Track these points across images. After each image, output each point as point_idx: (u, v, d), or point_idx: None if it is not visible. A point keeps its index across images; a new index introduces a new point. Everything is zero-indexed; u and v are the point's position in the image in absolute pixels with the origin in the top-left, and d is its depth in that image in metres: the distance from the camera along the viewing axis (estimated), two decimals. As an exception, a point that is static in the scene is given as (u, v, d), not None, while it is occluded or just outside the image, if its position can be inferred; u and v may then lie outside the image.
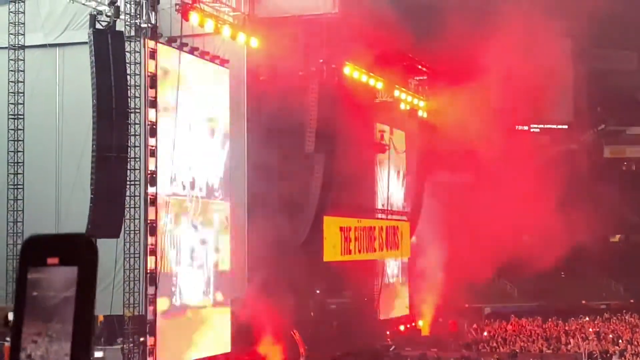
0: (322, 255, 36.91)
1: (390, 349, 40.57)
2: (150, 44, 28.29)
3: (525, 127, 65.93)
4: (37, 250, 2.47)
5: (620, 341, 38.74)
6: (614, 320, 47.53)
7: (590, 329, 43.38)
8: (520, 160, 56.41)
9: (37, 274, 2.43)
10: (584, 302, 55.44)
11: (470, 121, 44.88)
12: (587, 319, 48.04)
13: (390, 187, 47.81)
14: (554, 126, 67.38)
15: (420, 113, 47.07)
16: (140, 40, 28.10)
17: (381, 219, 46.11)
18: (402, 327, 46.57)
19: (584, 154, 67.82)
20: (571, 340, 39.52)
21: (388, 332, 44.73)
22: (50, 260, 2.42)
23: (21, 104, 28.90)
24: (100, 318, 31.55)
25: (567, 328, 44.19)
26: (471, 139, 48.29)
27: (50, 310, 2.39)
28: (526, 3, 49.44)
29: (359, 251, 42.33)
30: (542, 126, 67.05)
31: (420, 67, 45.49)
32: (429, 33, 44.47)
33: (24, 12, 28.80)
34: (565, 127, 67.78)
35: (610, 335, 40.95)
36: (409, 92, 46.41)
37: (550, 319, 47.11)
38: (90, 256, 2.43)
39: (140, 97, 27.82)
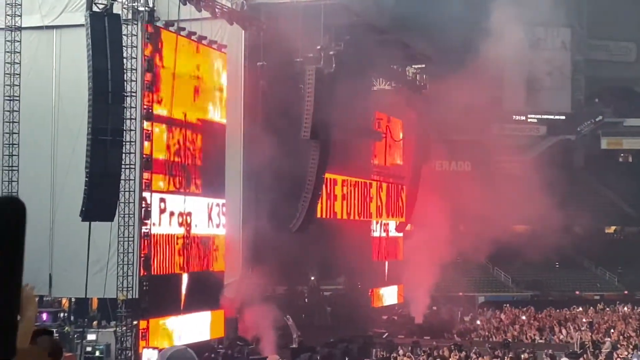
0: (317, 241, 36.95)
1: (383, 336, 40.61)
2: (148, 27, 28.21)
3: (523, 117, 65.94)
4: None
5: (612, 331, 38.80)
6: (608, 311, 47.61)
7: (584, 319, 43.44)
8: (517, 150, 56.50)
9: None
10: (578, 292, 55.56)
11: (468, 110, 44.88)
12: (581, 309, 48.10)
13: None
14: (552, 117, 67.34)
15: (417, 101, 47.03)
16: (137, 24, 28.03)
17: (377, 180, 46.51)
18: (395, 315, 46.67)
19: (581, 145, 67.87)
20: (564, 330, 39.59)
21: (384, 318, 44.83)
22: None
23: (17, 85, 28.84)
24: (94, 301, 31.65)
25: (560, 318, 44.25)
26: (469, 128, 48.35)
27: None
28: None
29: (354, 210, 42.93)
30: (539, 116, 67.01)
31: (419, 55, 45.38)
32: (429, 22, 44.43)
33: (21, -6, 28.74)
34: (563, 117, 67.75)
35: (604, 326, 41.02)
36: (406, 80, 46.37)
37: (544, 309, 47.18)
38: None
39: (136, 81, 27.76)
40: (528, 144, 62.50)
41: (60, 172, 29.81)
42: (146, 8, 28.25)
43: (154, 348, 26.99)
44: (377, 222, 47.16)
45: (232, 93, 32.85)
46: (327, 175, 38.67)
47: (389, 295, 48.02)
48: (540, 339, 38.43)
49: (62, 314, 31.69)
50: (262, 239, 30.96)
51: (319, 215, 37.38)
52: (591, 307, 48.56)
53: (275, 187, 31.70)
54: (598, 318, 44.21)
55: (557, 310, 46.86)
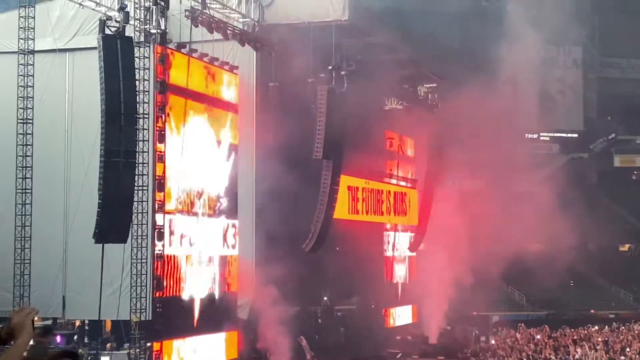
0: (329, 261, 36.88)
1: (397, 356, 40.48)
2: (160, 49, 28.34)
3: (535, 135, 65.82)
4: None
5: (627, 350, 38.54)
6: (623, 329, 47.29)
7: (599, 338, 43.16)
8: (529, 168, 56.34)
9: None
10: (592, 311, 55.22)
11: (481, 129, 44.79)
12: (596, 328, 47.79)
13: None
14: (564, 134, 67.19)
15: (429, 120, 46.97)
16: (149, 46, 28.17)
17: (389, 183, 46.45)
18: (409, 335, 46.45)
19: (593, 163, 67.68)
20: (579, 350, 39.33)
21: (397, 338, 44.62)
22: None
23: (30, 108, 28.97)
24: (108, 323, 31.65)
25: (575, 337, 43.97)
26: (482, 147, 48.20)
27: None
28: (536, 10, 49.34)
29: (367, 212, 42.70)
30: (552, 134, 66.88)
31: (430, 74, 45.39)
32: (439, 40, 44.46)
33: (34, 17, 28.90)
34: (575, 135, 67.60)
35: (619, 345, 40.76)
36: (418, 99, 46.37)
37: (559, 328, 46.89)
38: None
39: (149, 103, 27.87)
40: (541, 162, 62.35)
41: (73, 194, 29.91)
42: (158, 30, 28.39)
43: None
44: (389, 241, 47.04)
45: (244, 114, 32.91)
46: (349, 182, 38.72)
47: (402, 315, 47.84)
48: (556, 358, 38.23)
49: (75, 336, 31.69)
50: (275, 259, 30.91)
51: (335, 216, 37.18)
52: (606, 326, 48.26)
53: (288, 206, 31.70)
54: (613, 337, 43.93)
55: (572, 329, 46.59)
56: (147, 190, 27.75)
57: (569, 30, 55.95)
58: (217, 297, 31.36)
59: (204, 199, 30.81)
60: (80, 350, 29.74)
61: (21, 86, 28.91)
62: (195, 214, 30.33)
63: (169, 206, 28.78)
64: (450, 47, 44.23)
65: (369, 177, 43.31)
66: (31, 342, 3.99)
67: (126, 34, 26.97)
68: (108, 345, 30.42)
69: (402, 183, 48.51)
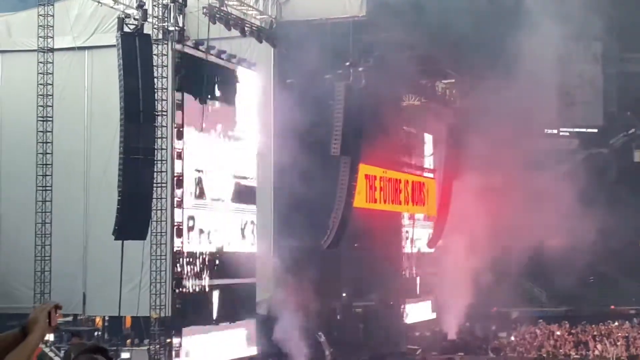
0: (348, 257, 36.90)
1: (417, 353, 40.45)
2: (178, 46, 28.44)
3: (555, 131, 65.50)
4: None
5: (649, 346, 38.37)
6: (644, 325, 47.09)
7: (619, 334, 42.97)
8: (549, 163, 56.16)
9: None
10: (612, 307, 54.95)
11: (499, 124, 44.68)
12: (616, 323, 47.58)
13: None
14: (584, 130, 66.83)
15: (447, 116, 46.91)
16: (167, 43, 28.28)
17: (408, 172, 46.31)
18: (427, 331, 46.42)
19: (613, 158, 67.26)
20: (599, 346, 39.18)
21: (416, 334, 44.60)
22: None
23: (50, 106, 29.11)
24: (128, 319, 31.81)
25: (595, 333, 43.80)
26: (500, 142, 48.11)
27: None
28: (555, 5, 49.12)
29: (384, 201, 42.61)
30: (571, 130, 66.53)
31: (448, 70, 45.31)
32: (457, 35, 44.32)
33: (53, 15, 29.04)
34: (595, 130, 67.22)
35: (639, 341, 40.58)
36: (436, 95, 46.31)
37: (579, 324, 46.71)
38: None
39: (167, 100, 27.98)
40: (560, 157, 62.05)
41: (93, 192, 30.05)
42: (176, 28, 28.51)
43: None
44: (408, 237, 47.00)
45: (262, 110, 32.98)
46: (366, 171, 38.65)
47: (421, 311, 47.79)
48: (576, 354, 38.11)
49: (96, 333, 31.86)
50: (294, 255, 30.97)
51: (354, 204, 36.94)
52: (627, 322, 48.03)
53: (306, 203, 31.73)
54: (634, 332, 43.72)
55: (592, 325, 46.41)
56: (166, 187, 27.88)
57: (589, 25, 55.62)
58: (236, 293, 31.44)
59: (221, 193, 30.91)
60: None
61: (41, 84, 29.06)
62: (214, 209, 30.43)
63: (188, 203, 28.92)
64: (468, 42, 44.03)
65: (387, 166, 43.19)
66: (70, 343, 4.04)
67: (144, 32, 27.10)
68: (128, 341, 30.58)
69: (420, 173, 48.38)
